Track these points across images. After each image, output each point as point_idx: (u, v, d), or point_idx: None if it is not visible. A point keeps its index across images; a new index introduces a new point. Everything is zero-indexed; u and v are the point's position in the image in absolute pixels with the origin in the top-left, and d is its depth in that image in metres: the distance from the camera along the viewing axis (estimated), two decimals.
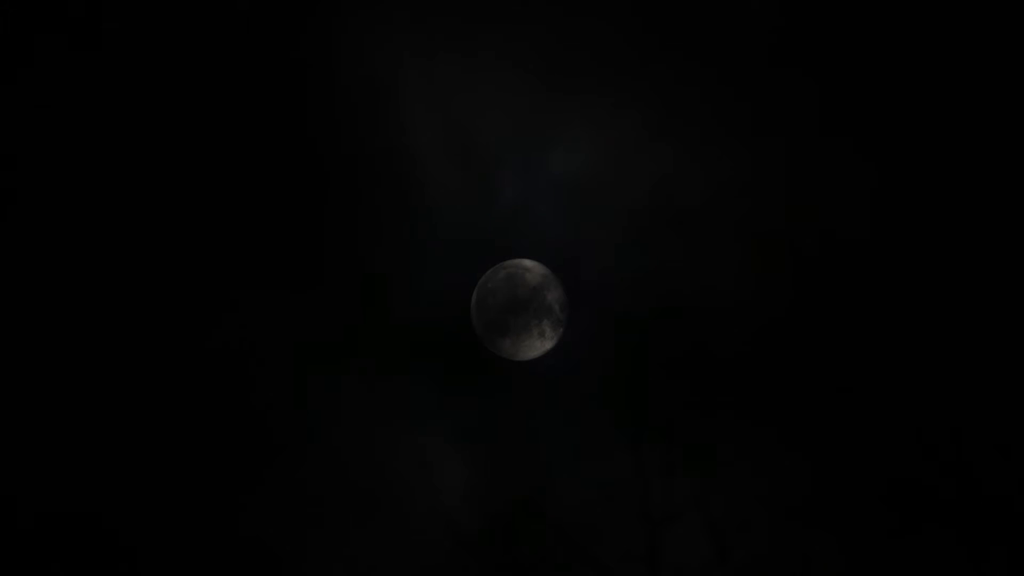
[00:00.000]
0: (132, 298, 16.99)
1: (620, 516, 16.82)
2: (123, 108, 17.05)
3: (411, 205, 17.24)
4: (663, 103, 17.04)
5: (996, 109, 16.69)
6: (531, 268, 17.54)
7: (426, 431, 17.08)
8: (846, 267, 16.72)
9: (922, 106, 16.87)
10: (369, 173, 17.16)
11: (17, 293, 16.75)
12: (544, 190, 17.32)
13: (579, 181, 17.30)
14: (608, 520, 16.81)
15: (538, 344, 17.50)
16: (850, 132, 16.89)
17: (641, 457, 16.72)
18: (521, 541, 16.91)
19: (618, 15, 17.06)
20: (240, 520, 16.67)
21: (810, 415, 16.62)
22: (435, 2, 17.09)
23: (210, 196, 17.12)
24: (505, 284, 17.44)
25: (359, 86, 17.09)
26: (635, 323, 16.88)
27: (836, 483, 16.44)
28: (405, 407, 17.10)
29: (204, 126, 17.09)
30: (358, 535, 16.90)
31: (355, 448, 17.06)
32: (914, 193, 16.67)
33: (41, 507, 16.49)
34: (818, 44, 16.90)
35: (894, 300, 16.64)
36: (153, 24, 16.98)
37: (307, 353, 16.99)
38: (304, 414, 16.96)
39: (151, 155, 17.08)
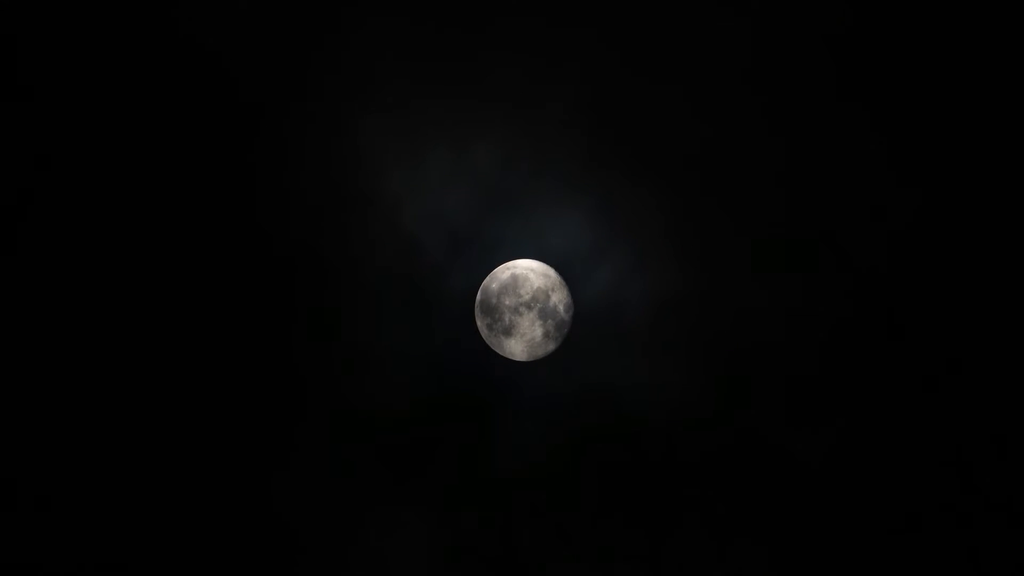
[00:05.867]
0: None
1: (620, 515, 16.83)
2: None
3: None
4: (609, 214, 17.12)
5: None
6: (535, 269, 17.58)
7: (426, 431, 17.18)
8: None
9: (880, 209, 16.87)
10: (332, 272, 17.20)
11: None
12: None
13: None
14: (608, 518, 16.82)
15: (541, 345, 17.51)
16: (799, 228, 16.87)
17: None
18: (521, 540, 16.92)
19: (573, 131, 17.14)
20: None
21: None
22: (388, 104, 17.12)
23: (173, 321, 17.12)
24: (510, 284, 17.48)
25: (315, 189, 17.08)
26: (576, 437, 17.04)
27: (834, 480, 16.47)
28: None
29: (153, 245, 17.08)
30: (359, 535, 16.97)
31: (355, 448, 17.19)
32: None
33: None
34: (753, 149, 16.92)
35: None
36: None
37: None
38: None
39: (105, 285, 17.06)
